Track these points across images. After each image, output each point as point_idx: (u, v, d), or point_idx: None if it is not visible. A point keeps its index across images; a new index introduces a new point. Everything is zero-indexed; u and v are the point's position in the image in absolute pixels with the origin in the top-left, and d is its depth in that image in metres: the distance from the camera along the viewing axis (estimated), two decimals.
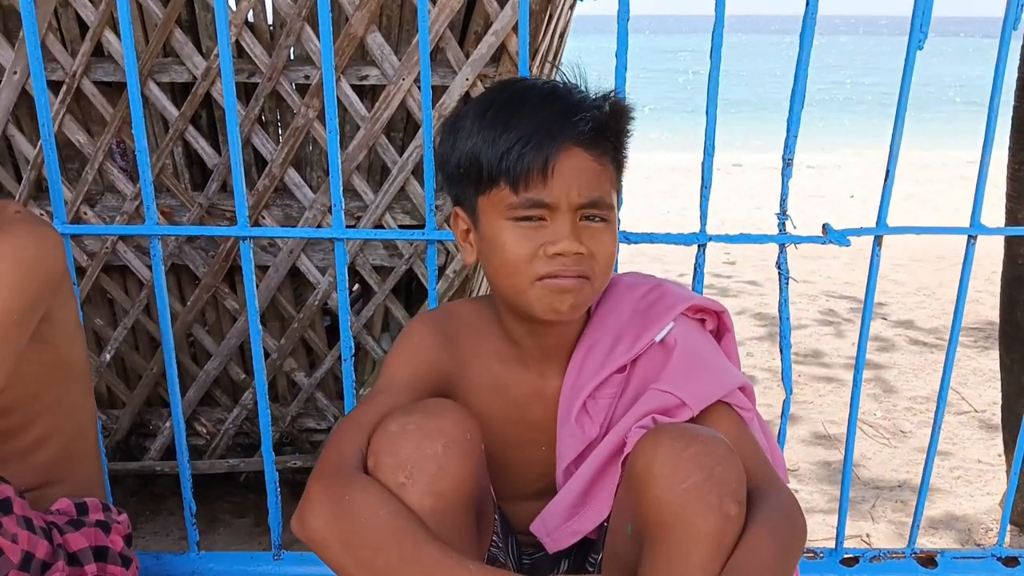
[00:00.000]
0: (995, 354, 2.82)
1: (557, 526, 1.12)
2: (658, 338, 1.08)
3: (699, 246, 1.38)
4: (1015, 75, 1.83)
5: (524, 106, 0.98)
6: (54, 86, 1.73)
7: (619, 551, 1.01)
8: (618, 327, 1.11)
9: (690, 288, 1.41)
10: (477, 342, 1.12)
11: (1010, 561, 1.51)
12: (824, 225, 1.36)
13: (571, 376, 1.11)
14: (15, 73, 1.72)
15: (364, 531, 0.88)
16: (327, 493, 0.91)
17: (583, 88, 1.03)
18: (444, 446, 0.92)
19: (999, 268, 2.04)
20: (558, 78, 1.04)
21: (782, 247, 1.38)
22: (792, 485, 2.30)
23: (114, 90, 1.79)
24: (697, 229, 1.39)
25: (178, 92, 1.81)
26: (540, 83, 1.02)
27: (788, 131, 1.33)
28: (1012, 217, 1.94)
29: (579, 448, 1.11)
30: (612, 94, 1.04)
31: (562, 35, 2.63)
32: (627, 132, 1.05)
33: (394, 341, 1.12)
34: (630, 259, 1.24)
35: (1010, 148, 1.93)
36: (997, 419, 2.49)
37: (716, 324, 1.15)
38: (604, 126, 1.00)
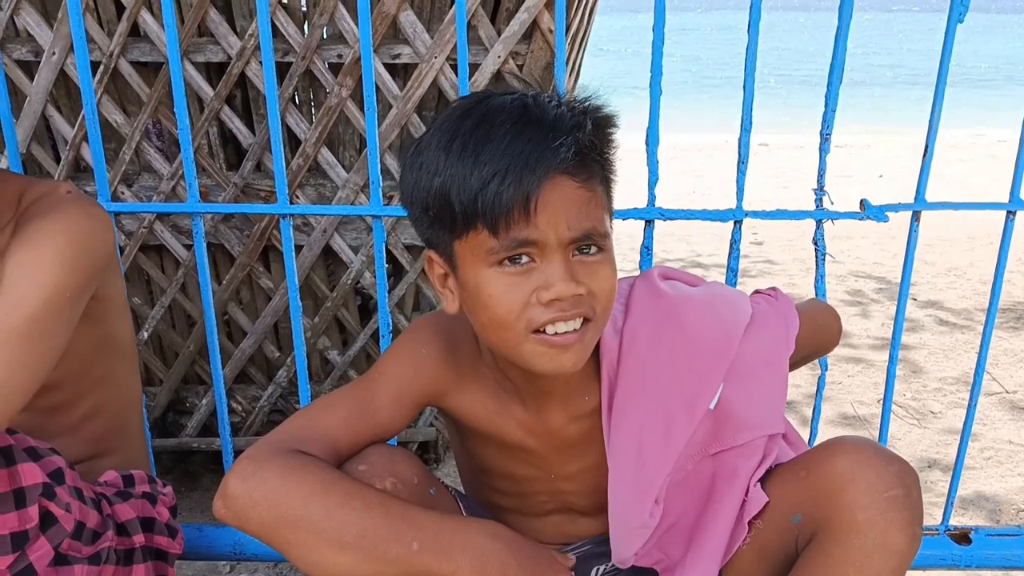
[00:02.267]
0: None
1: None
2: (712, 406, 1.02)
3: (735, 222, 1.38)
4: None
5: (494, 134, 0.84)
6: (91, 67, 1.75)
7: (766, 537, 1.02)
8: (657, 392, 1.02)
9: (725, 266, 1.41)
10: (477, 363, 1.05)
11: None
12: (862, 200, 1.35)
13: (625, 469, 1.03)
14: (53, 54, 1.75)
15: (298, 484, 0.87)
16: (256, 457, 0.90)
17: (557, 101, 0.89)
18: (393, 485, 0.95)
19: None
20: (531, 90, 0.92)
21: (819, 223, 1.38)
22: None
23: (149, 70, 1.80)
24: (722, 211, 1.38)
25: (212, 72, 1.83)
26: (509, 102, 0.88)
27: (826, 106, 1.32)
28: None
29: (652, 530, 1.06)
30: (592, 105, 0.90)
31: (591, 12, 2.61)
32: (614, 147, 0.92)
33: (401, 337, 1.06)
34: (656, 240, 1.25)
35: None
36: None
37: None
38: (589, 147, 0.87)
